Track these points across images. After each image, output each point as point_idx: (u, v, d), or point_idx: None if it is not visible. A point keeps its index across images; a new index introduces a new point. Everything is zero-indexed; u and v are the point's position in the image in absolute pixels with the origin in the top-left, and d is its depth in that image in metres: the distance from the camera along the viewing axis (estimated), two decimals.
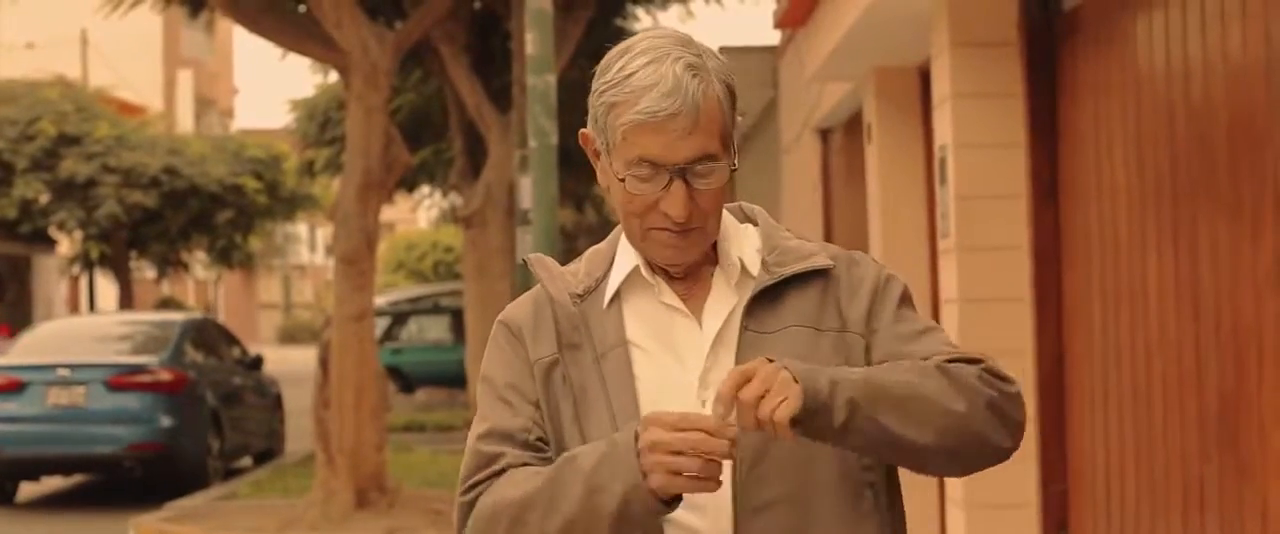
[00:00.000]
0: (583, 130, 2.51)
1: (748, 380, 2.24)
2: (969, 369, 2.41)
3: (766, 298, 2.47)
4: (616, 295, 2.52)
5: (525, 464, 2.46)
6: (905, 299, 2.55)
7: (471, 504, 2.47)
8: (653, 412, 2.29)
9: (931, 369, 2.38)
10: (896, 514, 2.52)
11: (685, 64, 2.38)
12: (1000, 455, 2.46)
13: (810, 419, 2.26)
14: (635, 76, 2.38)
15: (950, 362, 2.42)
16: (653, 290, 2.50)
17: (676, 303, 2.49)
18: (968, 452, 2.41)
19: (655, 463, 2.24)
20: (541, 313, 2.54)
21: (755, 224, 2.58)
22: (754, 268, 2.51)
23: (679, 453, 2.22)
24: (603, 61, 2.45)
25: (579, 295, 2.52)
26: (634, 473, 2.26)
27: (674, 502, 2.28)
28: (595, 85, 2.44)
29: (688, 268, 2.51)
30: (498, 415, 2.51)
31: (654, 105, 2.35)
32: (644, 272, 2.50)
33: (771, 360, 2.27)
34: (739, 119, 2.48)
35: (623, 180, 2.41)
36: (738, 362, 2.40)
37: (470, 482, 2.49)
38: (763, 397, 2.22)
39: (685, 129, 2.36)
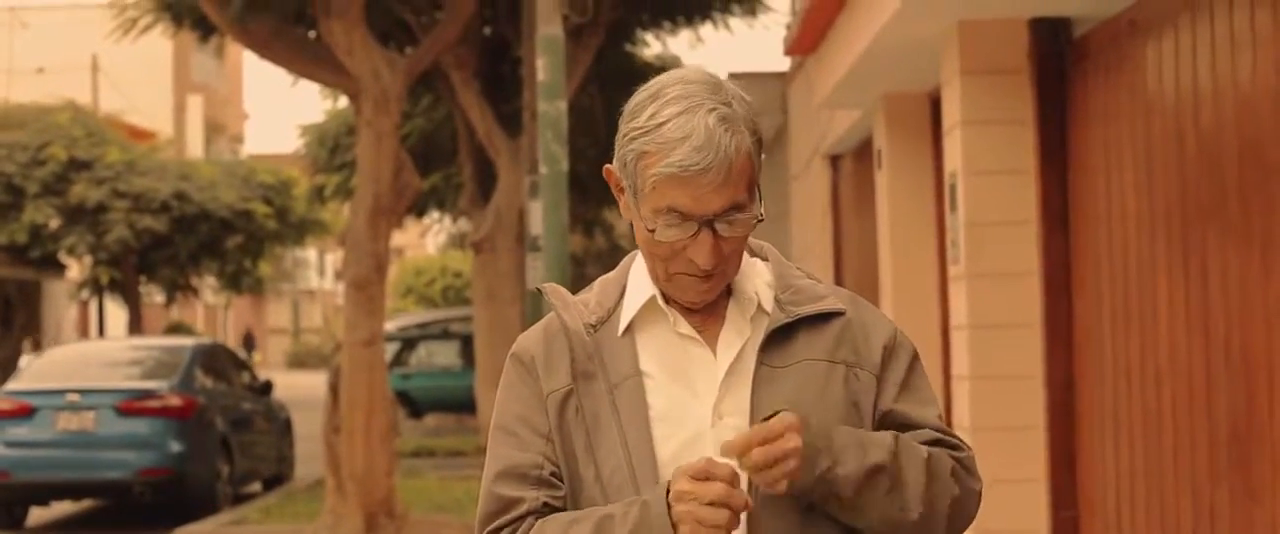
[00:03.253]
0: (608, 166, 2.52)
1: (766, 442, 2.31)
2: (947, 463, 2.49)
3: (781, 334, 2.50)
4: (629, 325, 2.53)
5: (546, 506, 2.49)
6: (916, 360, 2.60)
7: None
8: (681, 465, 2.34)
9: (921, 469, 2.45)
10: None
11: (718, 116, 2.38)
12: None
13: (798, 493, 2.38)
14: (667, 127, 2.38)
15: (934, 443, 2.51)
16: (667, 321, 2.52)
17: (692, 334, 2.51)
18: None
19: (684, 513, 2.31)
20: (555, 343, 2.55)
21: (765, 259, 2.61)
22: (768, 303, 2.53)
23: (707, 503, 2.29)
24: (632, 104, 2.44)
25: (593, 325, 2.54)
26: (667, 528, 2.32)
27: None
28: (623, 128, 2.44)
29: None
30: (509, 452, 2.53)
31: (686, 159, 2.35)
32: (660, 304, 2.52)
33: (792, 422, 2.34)
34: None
35: (651, 230, 2.42)
36: (753, 395, 2.45)
37: (492, 526, 2.51)
38: (769, 466, 2.31)
39: (716, 183, 2.36)
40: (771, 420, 2.34)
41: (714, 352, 2.50)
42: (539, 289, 2.63)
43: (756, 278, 2.57)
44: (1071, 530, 6.75)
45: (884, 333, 2.58)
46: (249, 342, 58.52)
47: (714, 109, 2.38)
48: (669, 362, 2.51)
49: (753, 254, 2.61)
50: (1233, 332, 5.04)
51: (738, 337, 2.51)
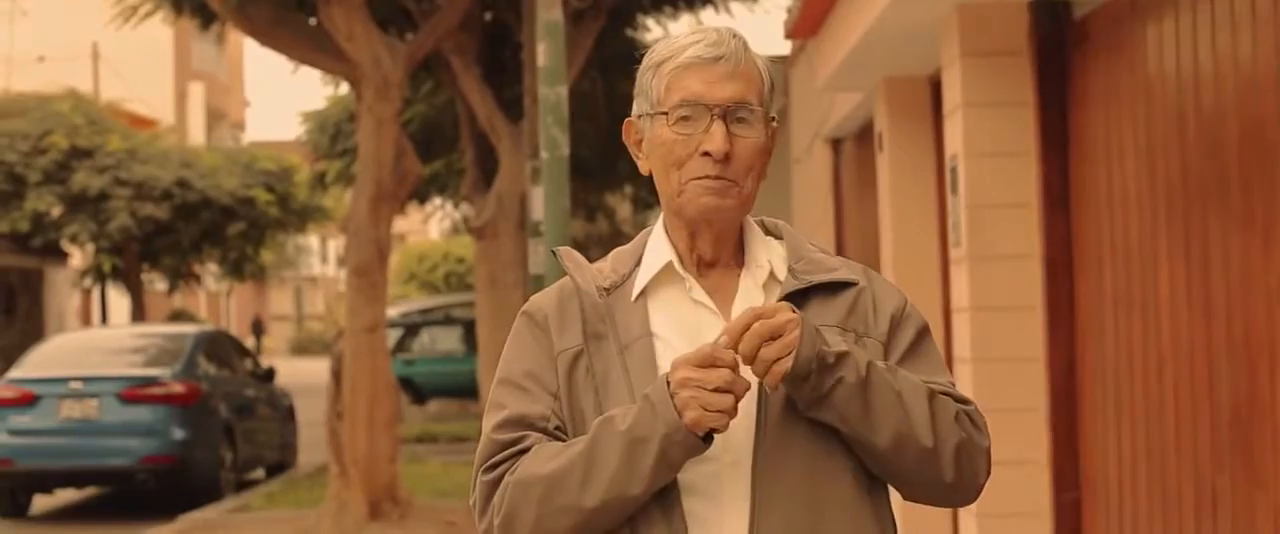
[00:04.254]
0: (628, 120, 2.64)
1: (761, 318, 2.37)
2: (952, 406, 2.52)
3: (793, 301, 2.53)
4: (644, 291, 2.59)
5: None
6: (925, 331, 2.65)
7: (495, 482, 2.52)
8: (679, 355, 2.39)
9: (923, 393, 2.49)
10: (889, 512, 2.59)
11: (730, 32, 2.56)
12: (950, 497, 2.57)
13: (798, 381, 2.40)
14: (682, 39, 2.57)
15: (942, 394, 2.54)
16: (681, 286, 2.58)
17: (705, 299, 2.57)
18: (918, 479, 2.52)
19: (689, 399, 2.36)
20: (567, 304, 2.60)
21: (779, 237, 2.67)
22: (781, 273, 2.59)
23: (712, 389, 2.35)
24: (651, 48, 2.65)
25: (605, 289, 2.59)
26: (672, 414, 2.37)
27: (708, 438, 2.39)
28: (643, 62, 2.62)
29: (716, 259, 2.59)
30: (515, 402, 2.56)
31: (699, 51, 2.53)
32: (677, 266, 2.58)
33: (793, 311, 2.41)
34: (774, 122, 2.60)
35: (664, 116, 2.53)
36: None
37: (492, 461, 2.54)
38: (769, 340, 2.37)
39: (726, 73, 2.52)
40: (766, 305, 2.44)
41: (727, 318, 2.53)
42: (554, 252, 2.68)
43: (770, 251, 2.63)
44: (1073, 513, 6.75)
45: (893, 303, 2.63)
46: (258, 327, 58.74)
47: (727, 30, 2.57)
48: (681, 325, 2.55)
49: (768, 232, 2.67)
50: (1235, 314, 5.04)
51: (749, 304, 2.54)
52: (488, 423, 2.59)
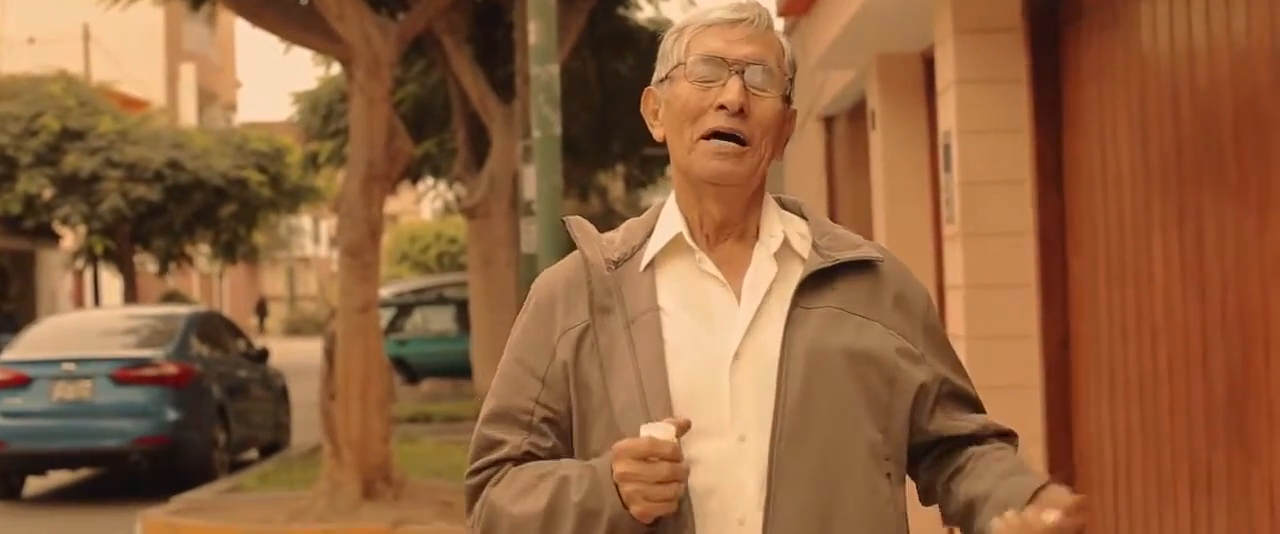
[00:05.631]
0: (648, 88, 2.64)
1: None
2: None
3: (819, 278, 2.54)
4: (652, 263, 2.57)
5: (527, 454, 2.54)
6: (940, 321, 2.71)
7: (477, 489, 2.57)
8: (619, 443, 2.39)
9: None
10: (903, 492, 2.60)
11: (756, 2, 2.59)
12: None
13: None
14: (709, 10, 2.59)
15: (995, 435, 2.70)
16: (691, 258, 2.56)
17: (715, 273, 2.54)
18: None
19: (633, 493, 2.37)
20: (576, 278, 2.59)
21: (799, 213, 2.66)
22: (800, 247, 2.57)
23: (658, 482, 2.35)
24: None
25: (614, 261, 2.57)
26: (616, 501, 2.39)
27: (656, 524, 2.41)
28: (668, 34, 2.65)
29: (727, 232, 2.57)
30: (504, 393, 2.59)
31: (722, 14, 2.56)
32: (687, 237, 2.56)
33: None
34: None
35: (685, 77, 2.54)
36: (786, 335, 2.49)
37: (475, 466, 2.58)
38: None
39: (747, 35, 2.54)
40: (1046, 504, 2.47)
41: (737, 292, 2.53)
42: (565, 222, 2.66)
43: (788, 225, 2.61)
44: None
45: (921, 297, 2.66)
46: (262, 308, 58.95)
47: (756, 2, 2.59)
48: (688, 298, 2.53)
49: (786, 209, 2.66)
50: (1229, 289, 5.03)
51: (763, 279, 2.54)
52: (483, 411, 2.61)
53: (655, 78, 2.61)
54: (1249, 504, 4.90)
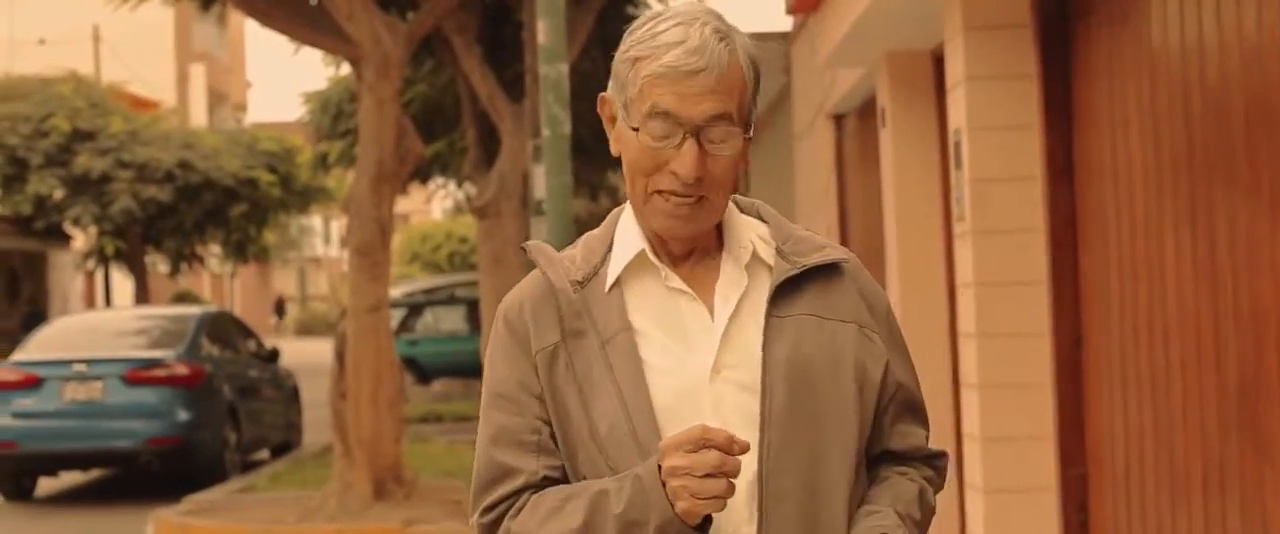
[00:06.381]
0: (602, 94, 2.52)
1: None
2: (930, 503, 2.59)
3: (790, 286, 2.48)
4: (618, 281, 2.50)
5: (544, 479, 2.45)
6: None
7: (493, 525, 2.47)
8: (668, 438, 2.30)
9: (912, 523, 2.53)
10: None
11: (713, 29, 2.41)
12: None
13: None
14: (663, 34, 2.40)
15: (924, 458, 2.62)
16: (657, 274, 2.49)
17: (683, 287, 2.48)
18: None
19: (679, 488, 2.27)
20: (542, 301, 2.51)
21: (757, 216, 2.58)
22: (765, 254, 2.51)
23: (703, 476, 2.26)
24: (633, 26, 2.48)
25: (578, 282, 2.49)
26: (664, 504, 2.29)
27: (705, 524, 2.32)
28: (622, 45, 2.47)
29: (692, 247, 2.50)
30: (504, 416, 2.49)
31: (678, 60, 2.37)
32: (650, 256, 2.48)
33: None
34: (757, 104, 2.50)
35: (636, 130, 2.40)
36: (766, 346, 2.43)
37: (488, 500, 2.48)
38: None
39: (705, 87, 2.38)
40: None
41: (708, 304, 2.47)
42: (524, 248, 2.60)
43: (750, 231, 2.53)
44: (1080, 488, 6.73)
45: (882, 299, 2.60)
46: (281, 308, 59.24)
47: (709, 24, 2.41)
48: (661, 316, 2.47)
49: (744, 212, 2.58)
50: (1241, 286, 5.01)
51: (734, 289, 2.48)
52: (481, 437, 2.53)
53: (609, 91, 2.49)
54: (1263, 503, 4.88)
